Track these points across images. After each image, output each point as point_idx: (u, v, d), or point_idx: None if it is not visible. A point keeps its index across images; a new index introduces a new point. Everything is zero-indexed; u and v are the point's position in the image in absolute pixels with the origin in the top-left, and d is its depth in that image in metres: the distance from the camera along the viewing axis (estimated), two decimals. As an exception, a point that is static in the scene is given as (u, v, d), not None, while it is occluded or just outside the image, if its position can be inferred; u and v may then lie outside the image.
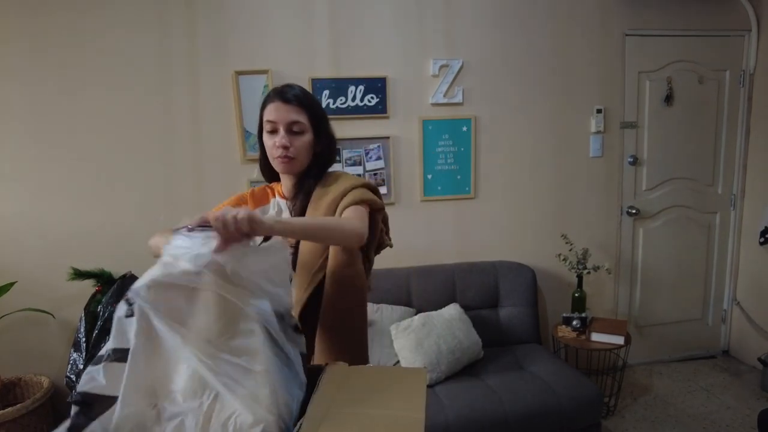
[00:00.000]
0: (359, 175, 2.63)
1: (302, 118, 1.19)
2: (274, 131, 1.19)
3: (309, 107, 1.21)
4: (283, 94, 1.19)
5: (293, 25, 2.53)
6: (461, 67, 2.68)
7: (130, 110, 2.45)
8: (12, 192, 2.41)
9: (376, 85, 2.62)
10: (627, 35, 2.84)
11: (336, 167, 1.35)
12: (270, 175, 1.32)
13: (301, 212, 1.23)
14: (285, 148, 1.18)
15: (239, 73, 2.48)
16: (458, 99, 2.71)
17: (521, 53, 2.76)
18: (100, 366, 0.71)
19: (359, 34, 2.59)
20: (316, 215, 1.19)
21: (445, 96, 2.69)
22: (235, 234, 0.82)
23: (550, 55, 2.78)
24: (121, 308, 0.74)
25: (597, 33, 2.81)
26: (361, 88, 2.61)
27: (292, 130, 1.19)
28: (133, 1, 2.38)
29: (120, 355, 0.71)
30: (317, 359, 1.18)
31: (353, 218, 1.10)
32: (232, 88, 2.49)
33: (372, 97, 2.63)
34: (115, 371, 0.70)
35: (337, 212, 1.16)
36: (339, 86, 2.59)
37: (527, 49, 2.76)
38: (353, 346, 1.21)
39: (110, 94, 2.42)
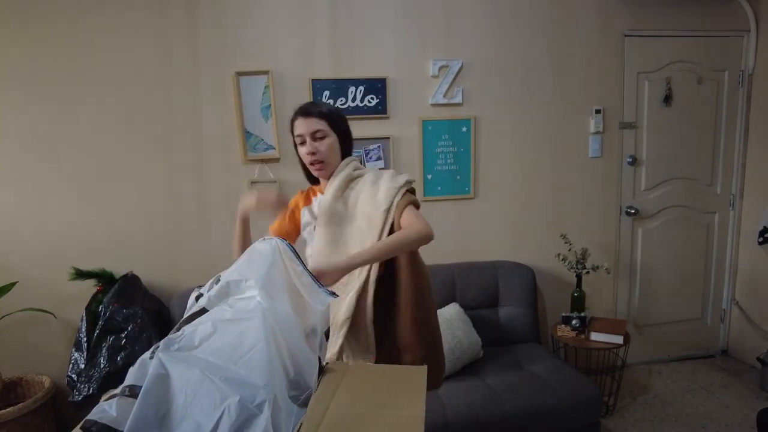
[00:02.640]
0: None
1: (322, 126, 1.41)
2: (303, 143, 1.42)
3: (327, 115, 1.42)
4: (304, 110, 1.43)
5: (293, 25, 2.53)
6: (461, 68, 2.69)
7: (131, 111, 2.46)
8: (13, 192, 2.42)
9: (376, 86, 2.63)
10: (626, 36, 2.85)
11: None
12: (312, 179, 1.55)
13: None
14: (312, 153, 1.41)
15: (240, 73, 2.49)
16: (458, 99, 2.71)
17: (520, 54, 2.76)
18: (114, 401, 0.73)
19: (359, 34, 2.60)
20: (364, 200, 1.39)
21: (444, 96, 2.70)
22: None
23: (549, 55, 2.79)
24: (147, 352, 0.79)
25: (596, 33, 2.81)
26: (361, 88, 2.61)
27: (315, 137, 1.41)
28: (133, 1, 2.39)
29: (136, 391, 0.74)
30: (405, 353, 1.38)
31: (415, 222, 1.30)
32: (232, 88, 2.50)
33: (372, 98, 2.63)
34: (128, 406, 0.73)
35: (391, 214, 1.34)
36: (339, 87, 2.60)
37: (526, 49, 2.76)
38: (430, 333, 1.44)
39: (111, 95, 2.43)
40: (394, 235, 1.30)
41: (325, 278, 1.13)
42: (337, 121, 1.44)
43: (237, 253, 1.38)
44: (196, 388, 0.72)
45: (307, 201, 1.55)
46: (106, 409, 0.72)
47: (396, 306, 1.38)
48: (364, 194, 1.40)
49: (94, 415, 0.73)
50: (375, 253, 1.26)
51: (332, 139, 1.43)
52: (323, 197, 1.43)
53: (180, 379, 0.73)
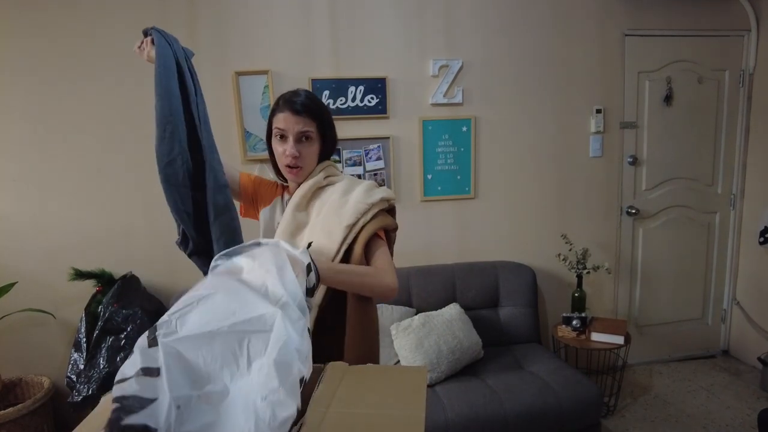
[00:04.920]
0: (359, 176, 2.64)
1: (311, 128, 1.23)
2: (283, 137, 1.23)
3: (318, 116, 1.24)
4: (293, 104, 1.22)
5: (293, 25, 2.53)
6: (461, 68, 2.69)
7: (130, 111, 2.45)
8: (13, 192, 2.42)
9: (376, 86, 2.63)
10: (626, 35, 2.84)
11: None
12: (283, 178, 1.35)
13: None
14: (295, 157, 1.22)
15: (239, 73, 2.49)
16: (458, 99, 2.71)
17: (521, 53, 2.76)
18: (132, 379, 0.70)
19: (359, 34, 2.60)
20: (324, 219, 1.21)
21: (444, 96, 2.70)
22: None
23: (549, 55, 2.79)
24: (143, 339, 0.77)
25: (597, 33, 2.81)
26: (361, 88, 2.61)
27: (301, 139, 1.22)
28: (133, 2, 2.38)
29: (152, 371, 0.71)
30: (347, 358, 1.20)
31: (386, 271, 1.13)
32: (232, 88, 2.50)
33: (372, 98, 2.63)
34: (149, 382, 0.70)
35: (353, 233, 1.17)
36: (339, 86, 2.60)
37: (527, 49, 2.76)
38: (371, 349, 1.25)
39: (111, 95, 2.42)
40: (364, 272, 1.12)
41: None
42: (327, 126, 1.27)
43: None
44: (211, 347, 0.75)
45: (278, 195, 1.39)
46: (127, 387, 0.69)
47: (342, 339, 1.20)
48: (329, 205, 1.22)
49: (118, 391, 0.69)
50: (345, 280, 1.08)
51: (317, 145, 1.25)
52: (288, 205, 1.28)
53: (192, 351, 0.75)
